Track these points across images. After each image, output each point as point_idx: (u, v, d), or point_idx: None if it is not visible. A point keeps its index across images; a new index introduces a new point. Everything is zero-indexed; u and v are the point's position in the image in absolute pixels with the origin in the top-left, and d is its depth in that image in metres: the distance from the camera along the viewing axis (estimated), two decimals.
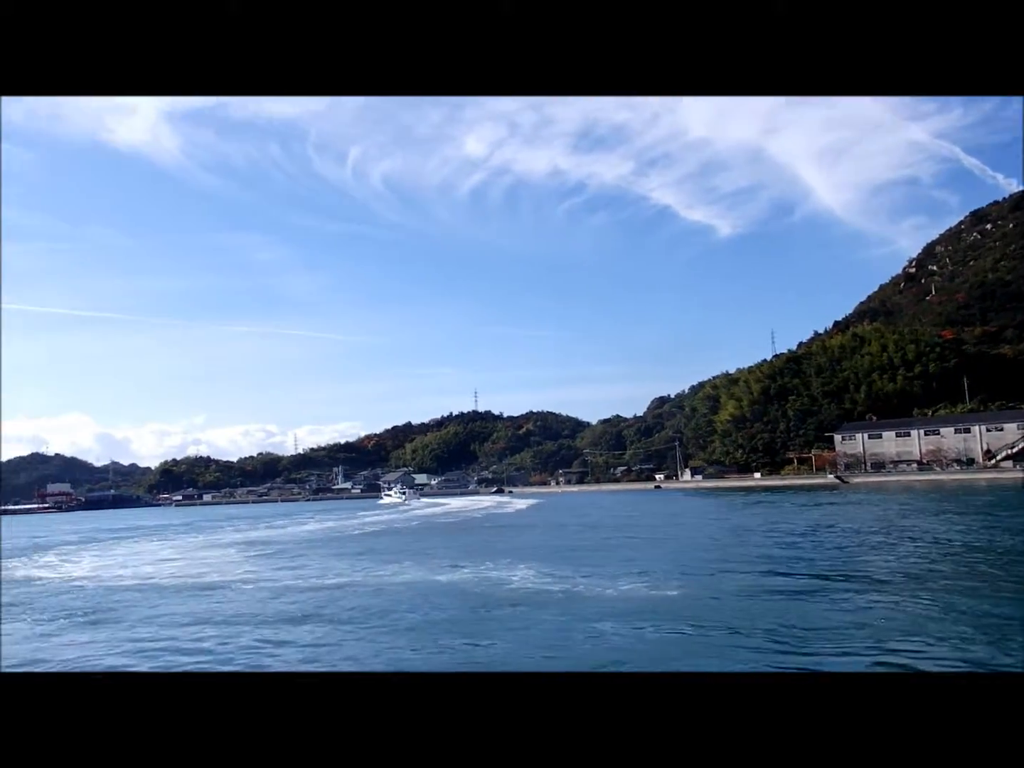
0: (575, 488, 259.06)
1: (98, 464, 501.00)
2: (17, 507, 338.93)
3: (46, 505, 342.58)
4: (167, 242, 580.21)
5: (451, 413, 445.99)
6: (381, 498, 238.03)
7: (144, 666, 20.96)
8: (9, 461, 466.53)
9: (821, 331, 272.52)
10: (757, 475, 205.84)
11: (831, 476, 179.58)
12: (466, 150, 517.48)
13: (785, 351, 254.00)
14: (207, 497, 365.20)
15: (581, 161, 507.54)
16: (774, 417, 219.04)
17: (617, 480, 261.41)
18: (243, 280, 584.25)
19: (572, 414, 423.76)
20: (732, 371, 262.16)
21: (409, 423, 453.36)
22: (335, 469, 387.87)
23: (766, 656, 20.81)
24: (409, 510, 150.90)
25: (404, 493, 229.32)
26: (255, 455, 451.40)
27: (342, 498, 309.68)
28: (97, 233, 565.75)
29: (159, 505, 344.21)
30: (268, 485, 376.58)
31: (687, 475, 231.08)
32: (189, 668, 19.88)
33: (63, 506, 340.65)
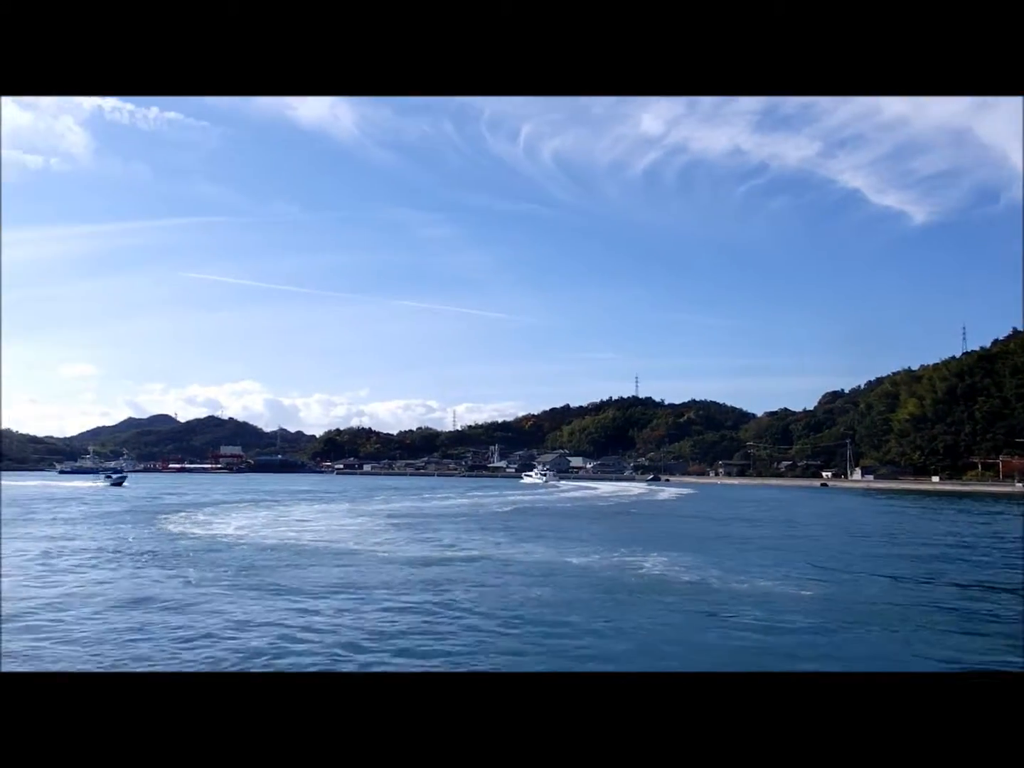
0: (735, 480, 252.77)
1: (267, 430, 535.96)
2: (193, 466, 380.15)
3: (219, 466, 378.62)
4: (341, 218, 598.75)
5: (610, 397, 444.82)
6: (522, 478, 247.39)
7: (153, 662, 21.01)
8: (188, 423, 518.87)
9: (1022, 328, 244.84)
10: (935, 479, 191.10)
11: (1020, 484, 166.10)
12: (642, 128, 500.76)
13: (977, 348, 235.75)
14: (367, 467, 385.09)
15: (764, 141, 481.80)
16: (959, 418, 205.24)
17: (780, 475, 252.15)
18: (412, 256, 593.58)
19: (736, 405, 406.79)
20: (915, 367, 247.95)
21: (567, 405, 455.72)
22: (491, 448, 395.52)
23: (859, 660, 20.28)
24: (556, 491, 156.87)
25: (545, 475, 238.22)
26: (414, 429, 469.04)
27: (497, 476, 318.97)
28: (279, 209, 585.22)
29: (322, 472, 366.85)
30: (425, 459, 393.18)
31: (857, 474, 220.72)
32: (189, 668, 19.87)
33: (234, 467, 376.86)
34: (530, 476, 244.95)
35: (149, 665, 19.96)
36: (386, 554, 42.79)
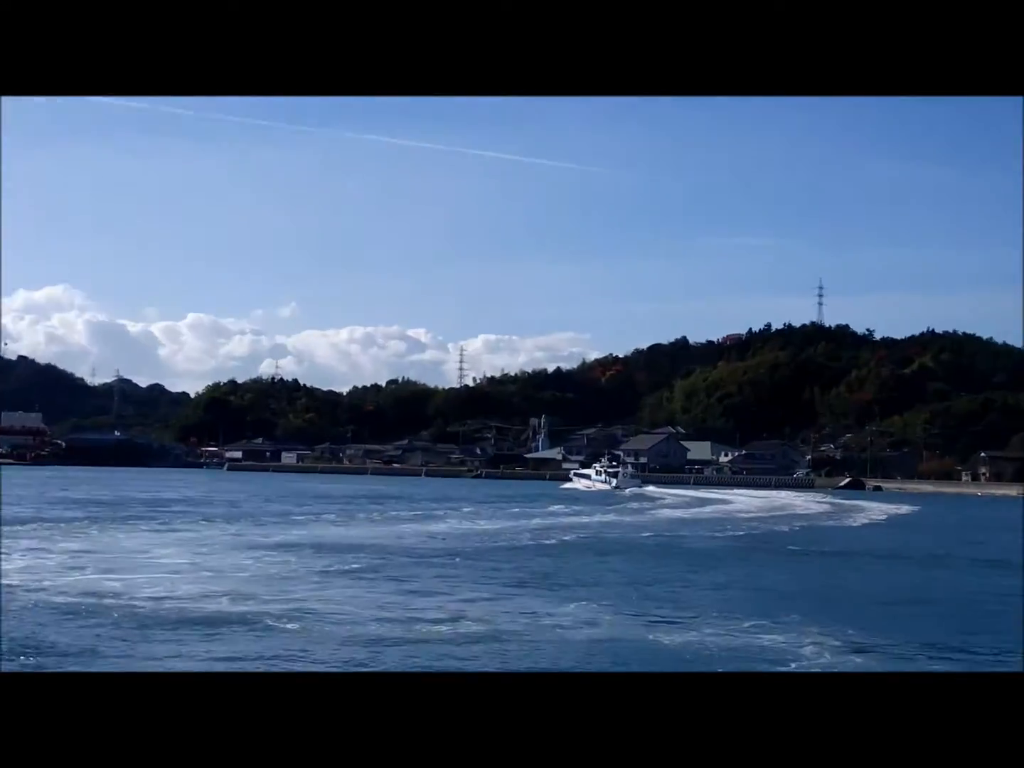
0: (1019, 490, 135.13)
1: (95, 382, 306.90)
2: None
3: None
4: None
5: (767, 327, 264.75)
6: (571, 479, 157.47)
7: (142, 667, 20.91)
8: None
9: None
10: None
11: None
12: None
13: None
14: (288, 457, 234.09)
15: None
16: None
17: None
18: None
19: (1014, 342, 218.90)
20: None
21: (684, 341, 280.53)
22: (533, 420, 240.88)
23: None
24: (638, 508, 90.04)
25: (618, 473, 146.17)
26: (384, 384, 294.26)
27: (542, 475, 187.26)
28: None
29: (200, 466, 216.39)
30: (405, 442, 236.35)
31: None
32: (189, 668, 19.84)
33: (28, 453, 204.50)
34: (584, 478, 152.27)
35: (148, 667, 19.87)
36: (299, 625, 23.59)
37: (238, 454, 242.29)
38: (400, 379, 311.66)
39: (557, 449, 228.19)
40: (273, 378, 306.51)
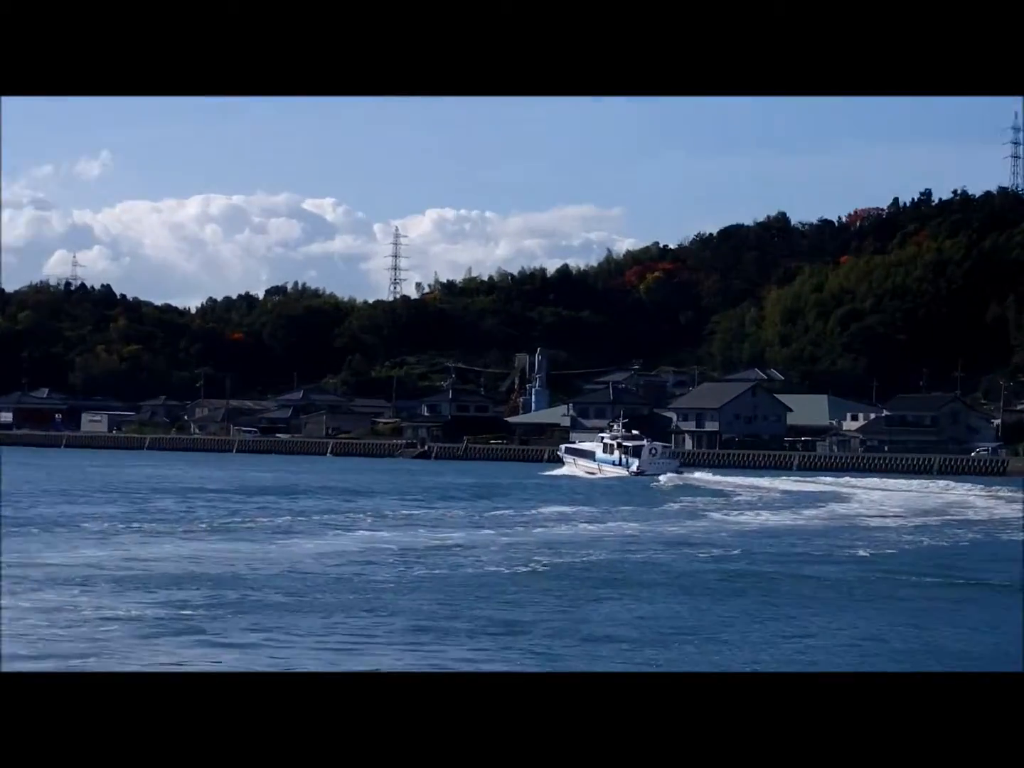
0: None
1: None
2: None
3: None
4: None
5: (924, 195, 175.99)
6: (563, 458, 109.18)
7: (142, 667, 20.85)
8: None
9: None
10: None
11: None
12: None
13: None
14: (93, 421, 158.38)
15: None
16: None
17: None
18: None
19: None
20: None
21: (782, 220, 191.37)
22: (520, 359, 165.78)
23: None
24: (702, 510, 60.73)
25: (640, 450, 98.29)
26: (262, 296, 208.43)
27: (535, 455, 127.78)
28: None
29: None
30: (298, 396, 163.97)
31: None
32: (189, 668, 19.82)
33: None
34: (583, 457, 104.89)
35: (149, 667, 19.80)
36: None
37: (6, 416, 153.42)
38: (292, 286, 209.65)
39: (562, 408, 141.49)
40: (69, 284, 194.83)
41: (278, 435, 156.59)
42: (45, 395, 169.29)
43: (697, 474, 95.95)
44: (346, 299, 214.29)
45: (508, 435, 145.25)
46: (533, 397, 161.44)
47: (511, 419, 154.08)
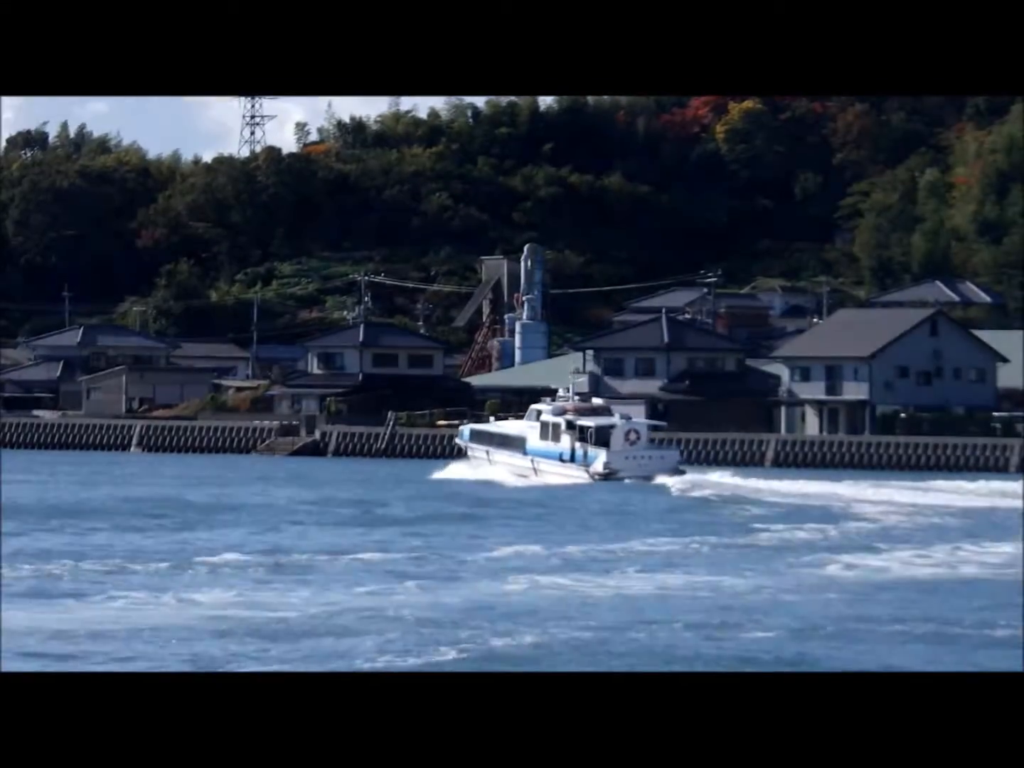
0: None
1: None
2: None
3: None
4: None
5: None
6: (463, 447, 68.89)
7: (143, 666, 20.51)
8: None
9: None
10: None
11: None
12: None
13: None
14: None
15: None
16: None
17: None
18: None
19: None
20: None
21: None
22: (488, 264, 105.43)
23: None
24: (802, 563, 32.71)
25: (608, 434, 60.03)
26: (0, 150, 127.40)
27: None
28: None
29: None
30: (73, 335, 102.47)
31: None
32: (189, 669, 19.66)
33: None
34: (502, 447, 64.76)
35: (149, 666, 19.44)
36: None
37: None
38: (57, 134, 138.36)
39: (572, 357, 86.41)
40: None
41: (36, 412, 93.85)
42: None
43: (716, 475, 58.45)
44: (162, 156, 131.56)
45: (473, 409, 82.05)
46: (517, 338, 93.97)
47: (476, 379, 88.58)
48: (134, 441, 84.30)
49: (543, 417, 61.46)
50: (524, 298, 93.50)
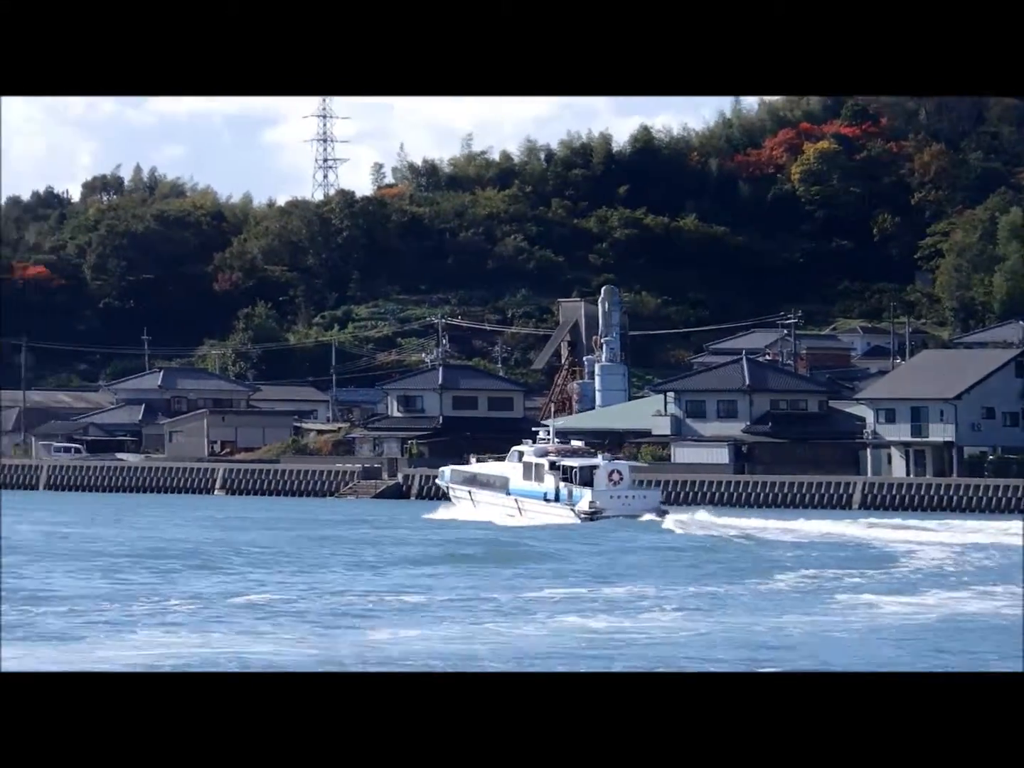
0: None
1: None
2: None
3: None
4: None
5: None
6: (447, 492, 72.48)
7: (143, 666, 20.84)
8: None
9: None
10: None
11: None
12: None
13: None
14: None
15: None
16: None
17: None
18: None
19: None
20: None
21: None
22: (565, 306, 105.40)
23: None
24: None
25: (591, 475, 62.80)
26: (79, 198, 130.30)
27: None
28: None
29: None
30: (138, 387, 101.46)
31: None
32: (189, 669, 19.79)
33: None
34: (485, 487, 67.91)
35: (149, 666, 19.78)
36: None
37: None
38: (132, 175, 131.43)
39: (652, 400, 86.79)
40: None
41: (119, 455, 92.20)
42: None
43: (700, 514, 60.56)
44: (235, 199, 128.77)
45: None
46: (597, 380, 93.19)
47: (556, 422, 79.67)
48: (217, 484, 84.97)
49: (525, 458, 64.06)
50: (602, 340, 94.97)
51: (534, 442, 66.36)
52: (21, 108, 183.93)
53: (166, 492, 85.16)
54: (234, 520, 63.60)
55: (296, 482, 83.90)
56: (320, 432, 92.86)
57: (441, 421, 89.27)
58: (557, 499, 61.49)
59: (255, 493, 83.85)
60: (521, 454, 64.99)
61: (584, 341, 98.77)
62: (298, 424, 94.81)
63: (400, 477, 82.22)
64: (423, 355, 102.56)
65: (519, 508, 62.70)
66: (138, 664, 23.56)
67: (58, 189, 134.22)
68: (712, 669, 19.11)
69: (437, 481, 72.23)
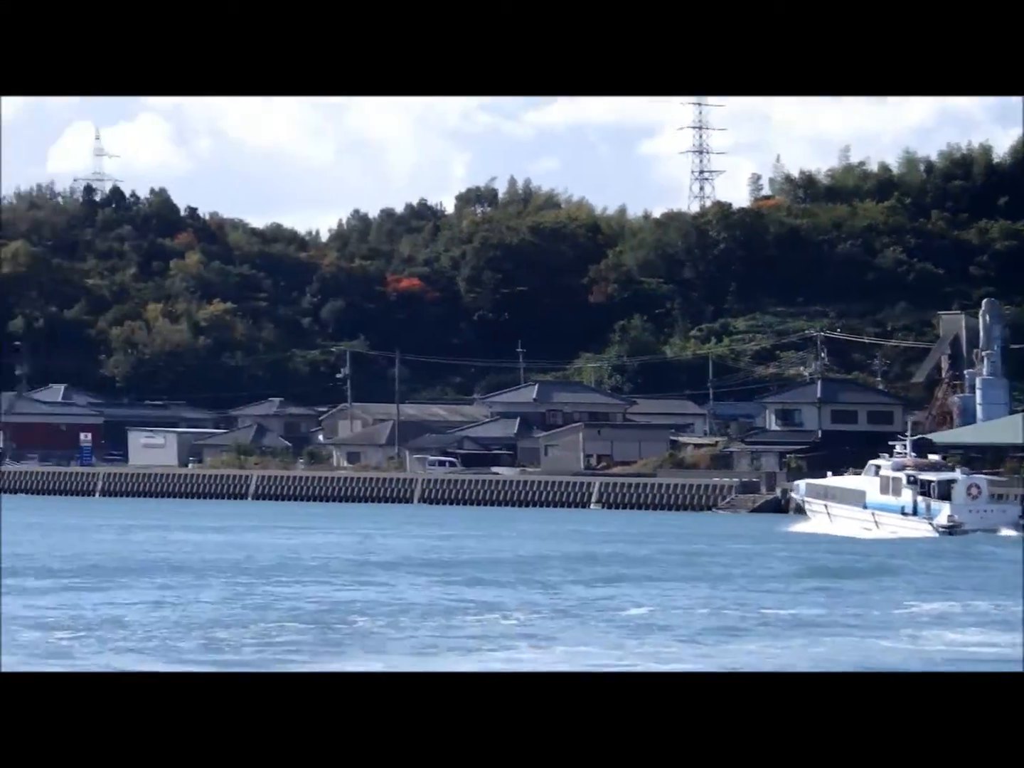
0: None
1: None
2: None
3: None
4: None
5: None
6: (803, 507, 71.14)
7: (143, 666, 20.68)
8: None
9: None
10: None
11: None
12: None
13: None
14: (155, 445, 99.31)
15: None
16: None
17: None
18: None
19: None
20: None
21: None
22: (945, 319, 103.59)
23: None
24: None
25: (949, 489, 61.34)
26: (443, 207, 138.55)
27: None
28: None
29: None
30: (510, 399, 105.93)
31: None
32: (189, 669, 19.71)
33: None
34: (833, 501, 67.82)
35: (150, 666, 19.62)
36: None
37: None
38: (506, 187, 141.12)
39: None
40: (90, 188, 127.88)
41: (495, 469, 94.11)
42: (60, 397, 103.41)
43: None
44: (611, 210, 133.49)
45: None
46: (978, 394, 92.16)
47: (937, 436, 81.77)
48: (593, 498, 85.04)
49: (883, 472, 64.11)
50: (983, 353, 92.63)
51: (891, 456, 65.83)
52: (394, 119, 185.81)
53: (541, 506, 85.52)
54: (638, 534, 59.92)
55: (673, 496, 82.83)
56: (697, 446, 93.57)
57: (820, 435, 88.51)
58: (915, 513, 61.39)
59: (631, 507, 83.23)
60: (878, 468, 65.37)
61: (965, 355, 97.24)
62: (675, 438, 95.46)
63: (779, 491, 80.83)
64: (801, 368, 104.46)
65: (875, 521, 62.97)
66: None
67: (431, 201, 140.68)
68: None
69: (792, 495, 72.95)
